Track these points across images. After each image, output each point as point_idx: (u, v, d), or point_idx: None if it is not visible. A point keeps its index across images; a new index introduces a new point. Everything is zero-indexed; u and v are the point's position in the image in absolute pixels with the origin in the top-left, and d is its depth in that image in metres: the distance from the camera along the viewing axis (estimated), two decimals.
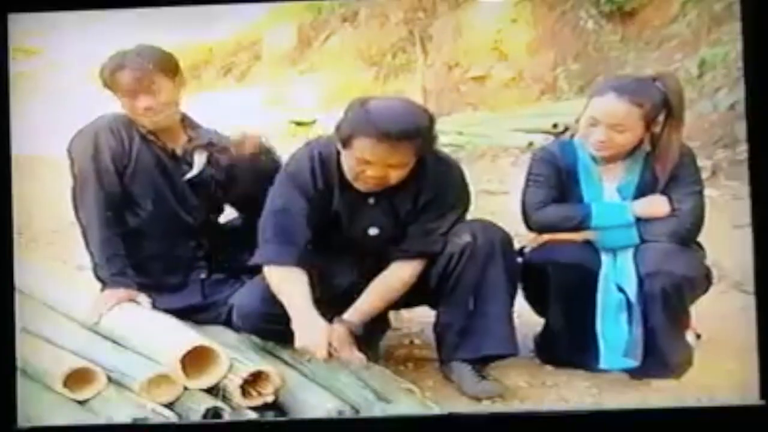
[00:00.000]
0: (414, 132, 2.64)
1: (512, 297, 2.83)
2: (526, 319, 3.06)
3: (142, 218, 2.98)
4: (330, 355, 2.66)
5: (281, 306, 2.71)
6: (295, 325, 2.68)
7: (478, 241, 2.73)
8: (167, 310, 2.90)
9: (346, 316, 2.74)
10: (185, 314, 2.92)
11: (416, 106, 2.86)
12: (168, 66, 2.96)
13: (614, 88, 2.84)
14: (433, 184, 2.78)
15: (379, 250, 2.82)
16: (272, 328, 2.77)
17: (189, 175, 3.03)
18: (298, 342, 2.67)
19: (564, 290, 2.86)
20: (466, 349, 2.78)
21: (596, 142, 2.85)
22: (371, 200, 2.80)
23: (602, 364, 2.83)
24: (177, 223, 3.02)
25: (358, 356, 2.71)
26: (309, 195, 2.78)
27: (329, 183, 2.79)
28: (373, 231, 2.82)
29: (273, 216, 2.80)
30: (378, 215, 2.81)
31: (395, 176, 2.70)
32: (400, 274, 2.79)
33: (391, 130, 2.61)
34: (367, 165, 2.67)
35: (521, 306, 3.03)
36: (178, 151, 3.02)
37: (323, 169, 2.79)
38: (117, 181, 2.93)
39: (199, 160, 3.04)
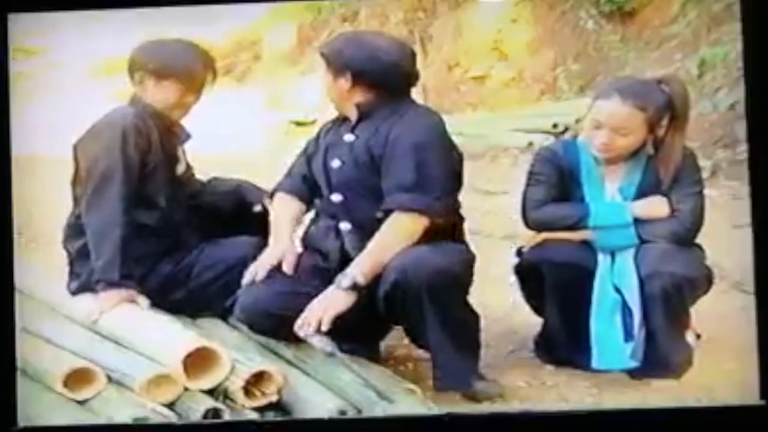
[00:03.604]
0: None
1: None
2: (526, 319, 3.07)
3: (154, 215, 2.97)
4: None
5: (286, 306, 2.74)
6: (271, 243, 2.87)
7: (408, 277, 2.67)
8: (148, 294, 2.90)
9: (348, 270, 2.72)
10: (164, 293, 2.92)
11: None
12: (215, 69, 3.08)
13: (619, 91, 2.83)
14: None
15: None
16: (272, 326, 2.79)
17: (180, 170, 3.05)
18: (265, 255, 2.83)
19: (559, 289, 2.87)
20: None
21: (599, 144, 2.85)
22: (348, 137, 2.86)
23: (594, 364, 2.84)
24: (180, 219, 3.02)
25: (323, 340, 2.69)
26: (318, 133, 2.99)
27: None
28: (335, 163, 2.85)
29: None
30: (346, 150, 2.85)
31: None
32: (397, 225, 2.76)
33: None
34: None
35: (520, 306, 3.03)
36: (170, 145, 3.03)
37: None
38: (137, 178, 2.92)
39: (182, 154, 3.07)
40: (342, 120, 2.92)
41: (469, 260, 2.84)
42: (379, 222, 2.75)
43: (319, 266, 2.84)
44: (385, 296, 2.71)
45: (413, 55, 2.92)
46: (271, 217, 2.96)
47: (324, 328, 2.67)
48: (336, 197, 2.85)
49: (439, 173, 2.76)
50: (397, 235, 2.73)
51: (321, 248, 2.87)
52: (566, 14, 6.70)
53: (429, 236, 2.74)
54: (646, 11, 6.29)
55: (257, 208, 3.08)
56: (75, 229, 2.97)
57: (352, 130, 2.86)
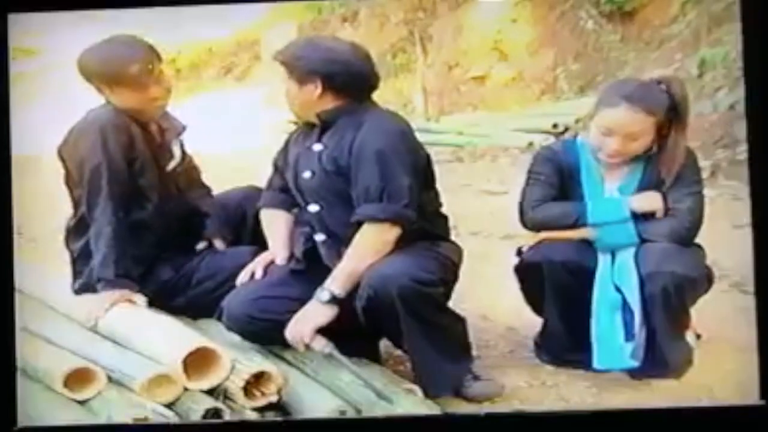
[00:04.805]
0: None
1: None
2: (526, 319, 3.07)
3: (148, 211, 2.96)
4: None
5: (268, 309, 2.77)
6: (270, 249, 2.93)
7: (381, 291, 2.66)
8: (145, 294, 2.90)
9: (326, 284, 2.73)
10: (164, 298, 2.93)
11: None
12: (158, 54, 2.98)
13: (626, 98, 2.80)
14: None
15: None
16: (258, 331, 2.79)
17: (173, 164, 3.04)
18: (260, 256, 2.91)
19: (559, 289, 2.86)
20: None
21: (612, 150, 2.84)
22: (317, 147, 2.84)
23: (595, 364, 2.84)
24: (175, 213, 3.02)
25: (321, 341, 2.72)
26: (285, 144, 2.99)
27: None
28: (306, 174, 2.84)
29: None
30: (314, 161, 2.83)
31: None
32: (368, 235, 2.75)
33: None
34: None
35: (520, 306, 3.03)
36: (159, 141, 3.02)
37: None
38: (127, 176, 2.91)
39: (176, 148, 3.06)
40: (310, 127, 2.88)
41: (450, 262, 2.82)
42: (354, 229, 2.74)
43: (295, 270, 2.85)
44: (363, 310, 2.70)
45: (370, 57, 2.88)
46: (268, 237, 2.96)
47: (306, 340, 2.71)
48: (312, 207, 2.84)
49: (406, 179, 2.72)
50: (370, 246, 2.72)
51: (296, 253, 2.87)
52: (566, 14, 6.71)
53: (408, 239, 2.74)
54: (646, 11, 6.29)
55: (200, 245, 3.07)
56: (76, 230, 2.97)
57: (320, 139, 2.83)
